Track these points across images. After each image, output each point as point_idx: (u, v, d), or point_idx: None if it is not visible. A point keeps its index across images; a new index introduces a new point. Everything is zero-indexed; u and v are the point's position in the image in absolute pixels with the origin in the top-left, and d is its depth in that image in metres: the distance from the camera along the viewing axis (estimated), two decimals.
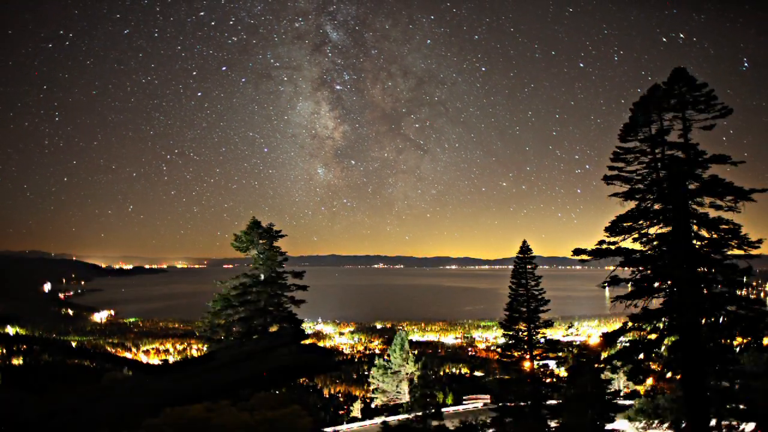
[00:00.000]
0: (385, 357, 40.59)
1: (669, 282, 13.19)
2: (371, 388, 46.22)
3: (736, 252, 12.56)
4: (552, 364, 22.99)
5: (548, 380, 22.21)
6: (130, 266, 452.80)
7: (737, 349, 12.34)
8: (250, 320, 19.56)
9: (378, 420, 30.35)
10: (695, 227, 13.02)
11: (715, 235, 12.74)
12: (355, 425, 30.88)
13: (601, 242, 13.77)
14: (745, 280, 12.61)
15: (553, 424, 20.19)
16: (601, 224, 14.02)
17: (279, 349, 6.27)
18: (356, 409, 39.18)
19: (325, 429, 25.44)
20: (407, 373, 38.49)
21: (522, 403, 21.27)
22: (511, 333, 22.76)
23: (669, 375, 13.39)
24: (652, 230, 13.62)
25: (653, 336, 13.09)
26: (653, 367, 13.76)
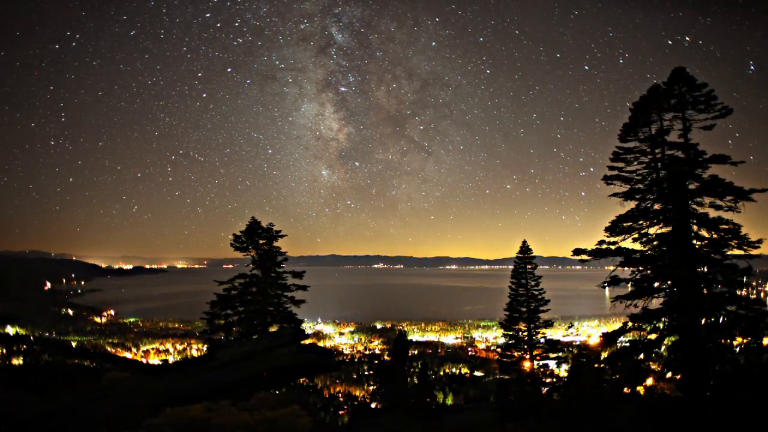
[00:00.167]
0: (386, 357, 40.60)
1: (669, 282, 13.19)
2: (371, 388, 46.25)
3: (736, 252, 12.56)
4: (552, 364, 22.97)
5: (548, 380, 22.20)
6: (130, 266, 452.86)
7: (737, 349, 12.33)
8: (250, 320, 19.56)
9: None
10: (695, 227, 13.02)
11: (715, 235, 12.74)
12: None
13: (601, 242, 13.78)
14: (745, 280, 12.60)
15: (553, 424, 20.17)
16: (604, 226, 14.04)
17: (279, 349, 6.27)
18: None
19: (325, 429, 25.38)
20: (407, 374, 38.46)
21: (522, 403, 21.26)
22: (511, 333, 22.75)
23: (669, 375, 13.39)
24: (652, 230, 13.62)
25: (653, 336, 13.09)
26: (653, 367, 13.75)
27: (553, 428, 19.01)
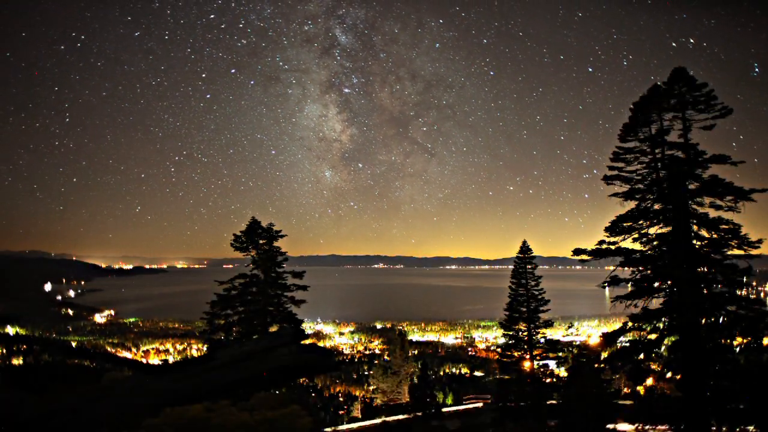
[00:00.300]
0: (386, 357, 40.63)
1: (669, 282, 13.19)
2: (371, 388, 46.25)
3: (736, 252, 12.56)
4: (552, 364, 22.99)
5: (548, 380, 22.21)
6: (130, 266, 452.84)
7: (737, 349, 12.32)
8: (250, 320, 19.55)
9: (378, 420, 30.35)
10: (695, 227, 13.02)
11: (715, 235, 12.74)
12: (355, 425, 30.87)
13: (601, 242, 13.78)
14: (745, 280, 12.60)
15: (553, 424, 20.19)
16: (605, 226, 14.04)
17: (279, 349, 6.25)
18: (356, 409, 39.20)
19: (326, 429, 25.43)
20: (407, 373, 38.51)
21: (522, 403, 21.27)
22: (511, 333, 22.77)
23: (669, 375, 13.38)
24: (652, 230, 13.62)
25: (653, 336, 13.09)
26: (653, 367, 13.75)
27: (553, 428, 19.03)
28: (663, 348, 13.26)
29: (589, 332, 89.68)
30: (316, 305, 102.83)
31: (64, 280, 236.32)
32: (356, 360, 72.60)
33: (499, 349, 24.87)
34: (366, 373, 56.31)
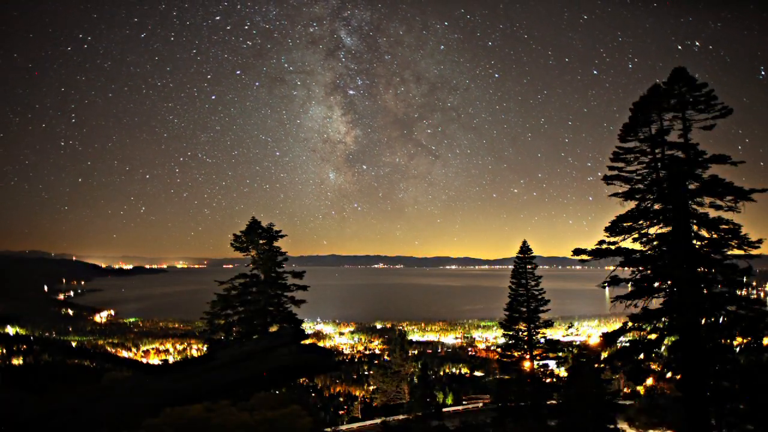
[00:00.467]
0: (386, 357, 40.63)
1: (669, 282, 13.18)
2: (371, 388, 46.26)
3: (736, 252, 12.56)
4: (552, 364, 22.99)
5: (548, 380, 22.20)
6: (130, 266, 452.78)
7: (737, 349, 12.32)
8: (250, 320, 19.54)
9: (378, 420, 30.34)
10: (695, 227, 13.01)
11: (715, 235, 12.74)
12: (355, 425, 30.87)
13: (601, 242, 13.77)
14: (745, 280, 12.60)
15: (553, 424, 20.18)
16: (605, 226, 14.03)
17: (279, 349, 6.25)
18: (356, 409, 39.21)
19: (326, 429, 25.43)
20: (407, 373, 38.49)
21: (522, 403, 21.26)
22: (511, 333, 22.77)
23: (669, 375, 13.38)
24: (652, 230, 13.61)
25: (653, 336, 13.08)
26: (653, 367, 13.75)
27: (553, 428, 19.01)
28: (663, 348, 13.26)
29: (589, 332, 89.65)
30: (316, 305, 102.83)
31: (64, 280, 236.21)
32: (356, 360, 72.61)
33: (499, 349, 24.87)
34: (366, 373, 56.32)
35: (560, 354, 22.96)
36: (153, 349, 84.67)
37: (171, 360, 70.28)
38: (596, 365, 20.47)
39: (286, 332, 6.88)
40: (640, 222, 13.67)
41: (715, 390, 12.25)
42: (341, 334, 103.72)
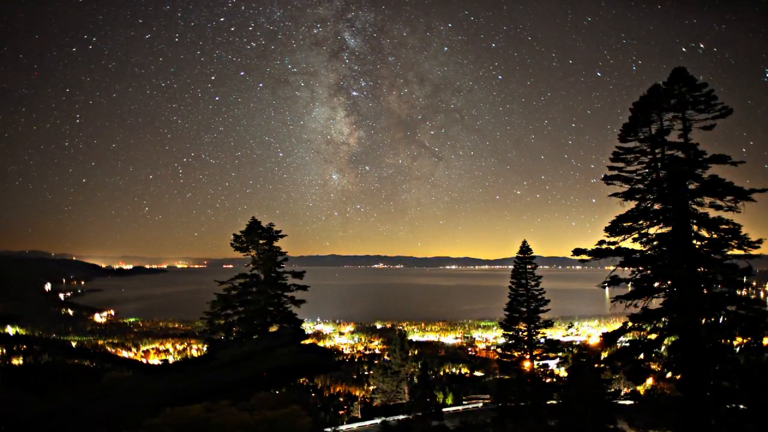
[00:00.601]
0: (386, 357, 40.62)
1: (669, 282, 13.18)
2: (371, 388, 46.24)
3: (736, 252, 12.55)
4: (552, 364, 23.00)
5: (548, 380, 22.20)
6: (130, 266, 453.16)
7: (737, 349, 12.32)
8: (250, 320, 19.55)
9: (378, 420, 30.35)
10: (695, 227, 13.01)
11: (715, 235, 12.73)
12: (355, 425, 30.86)
13: (601, 242, 13.77)
14: (745, 280, 12.59)
15: (553, 424, 20.18)
16: (604, 226, 14.03)
17: (279, 349, 6.25)
18: (356, 409, 39.19)
19: (326, 429, 25.43)
20: (407, 373, 38.49)
21: (522, 403, 21.27)
22: (511, 333, 22.77)
23: (669, 375, 13.38)
24: (652, 230, 13.61)
25: (653, 336, 13.08)
26: (653, 367, 13.75)
27: (553, 428, 19.01)
28: (663, 348, 13.26)
29: (589, 332, 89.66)
30: (316, 305, 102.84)
31: (64, 280, 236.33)
32: (356, 360, 72.55)
33: (499, 349, 24.87)
34: (366, 373, 56.30)
35: (560, 354, 22.98)
36: (153, 349, 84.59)
37: (171, 360, 70.28)
38: (596, 365, 20.48)
39: (286, 332, 6.88)
40: (640, 222, 13.67)
41: (715, 390, 12.25)
42: (341, 334, 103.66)
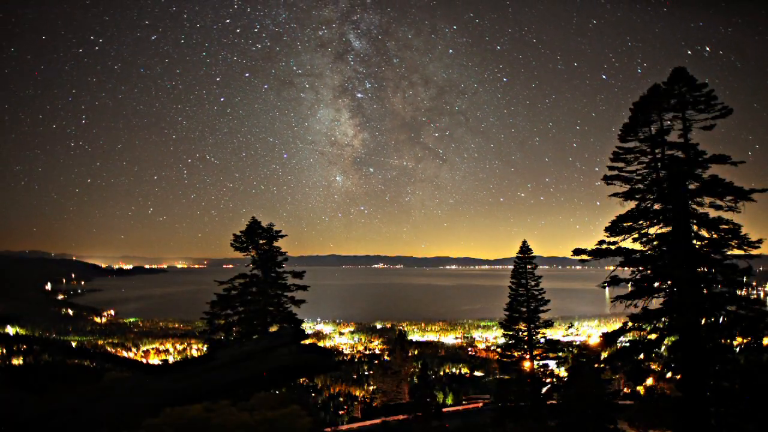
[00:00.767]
0: (386, 357, 40.64)
1: (669, 282, 13.18)
2: (371, 388, 46.26)
3: (736, 252, 12.55)
4: (552, 364, 22.98)
5: (548, 380, 22.19)
6: (130, 266, 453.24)
7: (737, 349, 12.32)
8: (250, 320, 19.54)
9: (378, 420, 30.35)
10: (695, 227, 13.01)
11: (715, 235, 12.74)
12: (355, 425, 30.88)
13: (601, 242, 13.77)
14: (745, 280, 12.59)
15: (553, 424, 20.18)
16: (605, 226, 14.03)
17: (279, 349, 6.25)
18: (356, 409, 39.19)
19: (326, 429, 25.44)
20: (407, 373, 38.49)
21: (522, 403, 21.26)
22: (511, 333, 22.76)
23: (669, 375, 13.38)
24: (652, 230, 13.61)
25: (653, 336, 13.08)
26: (653, 367, 13.75)
27: (553, 428, 19.01)
28: (663, 348, 13.26)
29: (589, 332, 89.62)
30: (316, 305, 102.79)
31: (64, 280, 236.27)
32: (356, 360, 72.54)
33: (499, 349, 24.86)
34: (366, 373, 56.33)
35: (560, 354, 22.96)
36: (153, 349, 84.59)
37: (171, 360, 70.27)
38: (596, 365, 20.47)
39: (286, 332, 6.88)
40: (640, 222, 13.68)
41: (715, 390, 12.25)
42: (341, 334, 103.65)
